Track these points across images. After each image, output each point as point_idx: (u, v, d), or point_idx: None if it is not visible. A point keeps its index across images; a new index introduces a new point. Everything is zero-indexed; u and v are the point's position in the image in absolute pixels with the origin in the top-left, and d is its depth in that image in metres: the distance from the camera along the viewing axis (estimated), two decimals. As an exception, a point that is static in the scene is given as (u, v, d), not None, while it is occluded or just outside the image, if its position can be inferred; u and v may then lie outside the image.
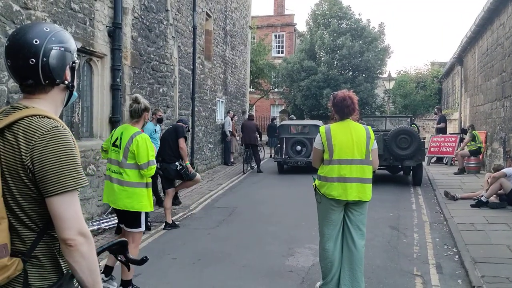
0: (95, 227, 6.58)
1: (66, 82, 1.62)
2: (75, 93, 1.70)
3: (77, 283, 1.54)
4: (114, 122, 7.67)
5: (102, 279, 4.33)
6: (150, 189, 4.48)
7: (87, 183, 1.56)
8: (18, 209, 1.48)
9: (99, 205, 7.40)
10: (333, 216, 4.20)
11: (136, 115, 4.43)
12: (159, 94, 9.73)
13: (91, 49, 7.12)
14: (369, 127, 4.31)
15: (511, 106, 10.50)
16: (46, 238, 1.52)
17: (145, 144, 4.29)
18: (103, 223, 6.73)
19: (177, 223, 7.27)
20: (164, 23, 10.00)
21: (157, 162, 6.89)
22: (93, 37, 7.16)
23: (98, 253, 1.75)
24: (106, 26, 7.52)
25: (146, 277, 4.88)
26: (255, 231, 6.90)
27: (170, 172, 7.02)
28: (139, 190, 4.33)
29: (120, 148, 4.34)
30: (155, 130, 8.43)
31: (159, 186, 8.80)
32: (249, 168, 13.96)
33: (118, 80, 7.70)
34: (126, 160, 4.30)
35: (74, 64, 1.64)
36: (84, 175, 1.53)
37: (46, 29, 1.56)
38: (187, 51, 11.94)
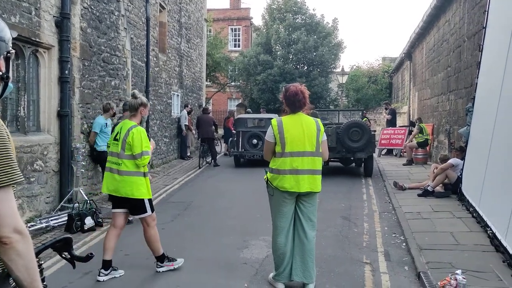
0: (44, 225, 6.36)
1: (1, 73, 1.55)
2: (10, 84, 1.62)
3: (13, 282, 1.48)
4: (62, 116, 7.42)
5: (102, 273, 4.68)
6: (148, 178, 4.77)
7: (22, 179, 1.50)
8: None
9: (47, 202, 7.15)
10: (285, 209, 4.28)
11: (133, 109, 4.73)
12: (110, 87, 9.49)
13: (37, 40, 6.83)
14: (319, 120, 4.41)
15: (455, 100, 11.01)
16: None
17: (140, 136, 4.59)
18: (51, 220, 6.52)
19: (130, 218, 7.14)
20: (116, 14, 9.74)
21: None
22: (39, 27, 6.87)
23: (40, 251, 1.68)
24: (54, 16, 7.24)
25: (96, 274, 4.77)
26: (211, 225, 6.91)
27: None
28: (137, 179, 4.63)
29: (119, 141, 4.66)
30: (106, 124, 8.25)
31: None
32: (205, 162, 13.87)
33: (66, 72, 7.44)
34: (124, 151, 4.61)
35: (9, 54, 1.57)
36: (18, 170, 1.47)
37: None
38: (140, 43, 11.70)
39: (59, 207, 7.15)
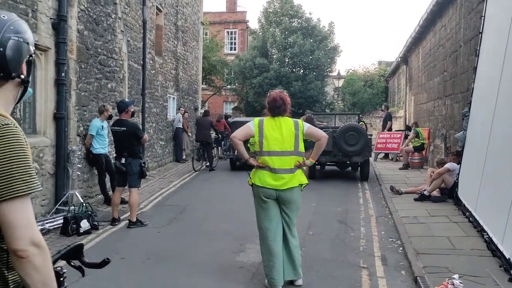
0: (39, 228, 6.29)
1: (22, 76, 1.49)
2: (29, 89, 1.57)
3: None
4: (58, 119, 7.38)
5: None
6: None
7: (41, 188, 1.44)
8: None
9: (43, 205, 7.10)
10: (267, 211, 4.43)
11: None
12: (107, 90, 9.45)
13: (34, 42, 6.79)
14: (299, 120, 4.58)
15: (451, 104, 11.05)
16: None
17: None
18: (47, 223, 6.47)
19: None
20: (113, 16, 9.72)
21: (122, 157, 6.70)
22: (36, 29, 6.83)
23: (56, 261, 1.57)
24: (50, 18, 7.20)
25: (93, 279, 4.72)
26: (207, 228, 6.88)
27: (133, 168, 6.80)
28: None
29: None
30: (102, 126, 8.22)
31: (108, 184, 8.58)
32: (199, 166, 13.73)
33: (63, 74, 7.40)
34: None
35: (31, 58, 1.52)
36: (37, 178, 1.40)
37: (4, 17, 1.44)
38: (137, 46, 11.67)
39: (54, 210, 7.10)
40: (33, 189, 1.36)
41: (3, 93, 1.47)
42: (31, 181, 1.36)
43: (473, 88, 7.88)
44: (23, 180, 1.34)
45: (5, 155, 1.33)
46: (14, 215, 1.32)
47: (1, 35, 1.41)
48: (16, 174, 1.33)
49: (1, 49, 1.40)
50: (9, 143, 1.35)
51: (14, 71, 1.45)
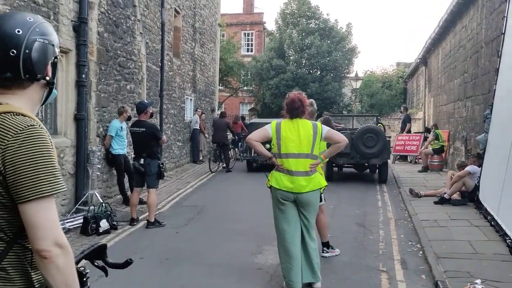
0: (59, 227, 6.39)
1: (48, 78, 1.50)
2: (55, 91, 1.58)
3: None
4: (79, 119, 7.47)
5: (325, 251, 5.42)
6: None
7: (65, 188, 1.44)
8: None
9: (63, 204, 7.20)
10: (285, 213, 4.40)
11: (313, 115, 5.62)
12: (126, 91, 9.55)
13: (55, 44, 6.90)
14: (319, 123, 4.54)
15: (472, 106, 10.86)
16: (16, 249, 1.39)
17: None
18: (67, 222, 6.56)
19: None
20: (132, 18, 9.82)
21: (140, 158, 6.75)
22: (58, 31, 6.94)
23: (78, 261, 1.58)
24: (71, 21, 7.31)
25: (112, 278, 4.74)
26: (224, 229, 6.89)
27: (151, 169, 6.84)
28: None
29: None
30: (121, 127, 8.30)
31: (126, 185, 8.66)
32: (216, 167, 13.75)
33: (83, 76, 7.50)
34: None
35: (55, 60, 1.54)
36: (61, 179, 1.40)
37: (30, 19, 1.45)
38: (155, 48, 11.77)
39: (74, 209, 7.19)
40: (58, 190, 1.37)
41: (28, 94, 1.48)
42: (56, 182, 1.37)
43: (494, 89, 7.73)
44: (48, 181, 1.35)
45: (30, 156, 1.34)
46: (39, 216, 1.33)
47: (27, 37, 1.42)
48: (42, 175, 1.34)
49: (27, 51, 1.41)
50: (34, 143, 1.36)
51: (39, 73, 1.46)
